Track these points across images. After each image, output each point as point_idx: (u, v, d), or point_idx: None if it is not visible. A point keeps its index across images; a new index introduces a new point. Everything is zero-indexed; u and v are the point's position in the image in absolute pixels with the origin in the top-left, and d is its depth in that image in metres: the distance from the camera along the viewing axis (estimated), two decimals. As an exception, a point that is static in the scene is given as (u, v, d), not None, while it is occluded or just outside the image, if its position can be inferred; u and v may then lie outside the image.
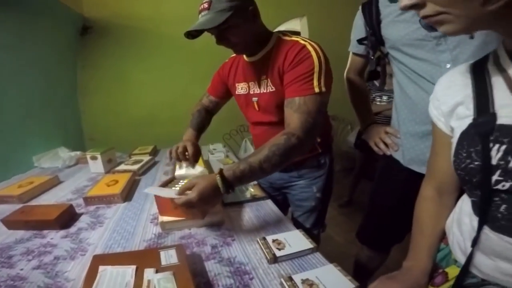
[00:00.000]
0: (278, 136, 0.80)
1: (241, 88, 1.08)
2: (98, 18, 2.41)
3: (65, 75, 2.29)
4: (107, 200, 1.03)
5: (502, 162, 0.43)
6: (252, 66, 1.00)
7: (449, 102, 0.55)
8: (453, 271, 0.57)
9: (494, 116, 0.46)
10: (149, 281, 0.57)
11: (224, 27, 0.84)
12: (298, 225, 1.13)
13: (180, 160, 1.05)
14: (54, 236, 0.83)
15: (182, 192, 0.74)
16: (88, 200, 1.02)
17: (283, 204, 1.22)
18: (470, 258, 0.52)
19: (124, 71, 2.57)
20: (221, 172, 0.74)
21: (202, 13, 0.85)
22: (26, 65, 1.69)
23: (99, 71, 2.51)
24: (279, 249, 0.69)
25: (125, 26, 2.48)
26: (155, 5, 2.53)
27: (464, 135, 0.50)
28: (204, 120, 1.22)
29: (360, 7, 1.04)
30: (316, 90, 0.82)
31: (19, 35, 1.62)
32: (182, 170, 1.09)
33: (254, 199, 1.03)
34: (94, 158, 1.40)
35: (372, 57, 1.07)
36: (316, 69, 0.84)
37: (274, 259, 0.67)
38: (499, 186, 0.44)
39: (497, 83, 0.48)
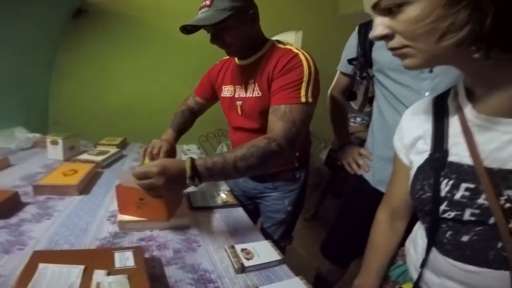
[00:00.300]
0: (259, 139, 0.77)
1: (226, 91, 1.05)
2: (96, 2, 2.31)
3: (43, 55, 2.18)
4: (61, 191, 0.93)
5: (449, 195, 0.49)
6: (242, 69, 0.99)
7: (411, 135, 0.59)
8: (408, 287, 0.62)
9: (446, 153, 0.50)
10: (98, 284, 0.50)
11: (221, 26, 0.83)
12: (266, 236, 1.10)
13: (151, 159, 0.99)
14: (-11, 225, 0.72)
15: (145, 172, 0.65)
16: (38, 189, 0.91)
17: (253, 213, 1.18)
18: (420, 277, 0.57)
19: (107, 59, 2.47)
20: (191, 158, 0.69)
21: (203, 10, 0.84)
22: (6, 37, 1.59)
23: (81, 55, 2.40)
24: (248, 259, 0.66)
25: (120, 13, 2.40)
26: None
27: (420, 169, 0.54)
28: (186, 121, 1.18)
29: (357, 28, 1.07)
30: (303, 99, 0.81)
31: (9, 8, 1.54)
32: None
33: (225, 205, 0.98)
34: (54, 142, 1.27)
35: (358, 78, 1.10)
36: (305, 78, 0.83)
37: (242, 269, 0.63)
38: (446, 215, 0.49)
39: (453, 120, 0.52)
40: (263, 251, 0.70)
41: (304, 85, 0.82)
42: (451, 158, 0.50)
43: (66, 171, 1.02)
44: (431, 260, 0.54)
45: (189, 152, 1.62)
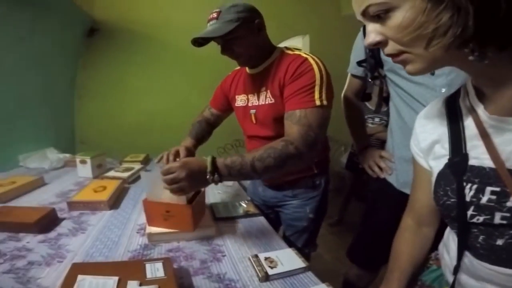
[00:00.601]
0: (277, 141, 0.79)
1: (240, 100, 1.08)
2: (107, 20, 2.40)
3: (64, 75, 2.25)
4: (92, 206, 0.98)
5: (474, 199, 0.47)
6: (253, 78, 1.01)
7: (426, 140, 0.58)
8: None
9: (466, 157, 0.49)
10: (131, 294, 0.53)
11: (229, 37, 0.86)
12: (289, 243, 1.11)
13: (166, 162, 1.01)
14: (30, 240, 0.77)
15: (168, 168, 0.72)
16: (72, 205, 0.97)
17: (275, 222, 1.19)
18: (454, 281, 0.55)
19: (124, 76, 2.55)
20: (212, 156, 0.74)
21: (211, 22, 0.87)
22: (28, 60, 1.66)
23: (99, 74, 2.48)
24: (272, 267, 0.66)
25: (131, 31, 2.48)
26: (163, 13, 2.56)
27: (441, 175, 0.53)
28: (203, 131, 1.20)
29: (361, 29, 1.06)
30: (317, 103, 0.82)
31: (29, 30, 1.61)
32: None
33: (246, 215, 0.99)
34: (83, 162, 1.35)
35: (370, 80, 1.09)
36: (318, 82, 0.84)
37: (266, 277, 0.64)
38: (474, 220, 0.48)
39: (468, 122, 0.50)
40: (287, 259, 0.71)
41: (317, 88, 0.83)
42: (471, 161, 0.48)
43: (96, 188, 1.09)
44: (466, 265, 0.53)
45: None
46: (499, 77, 0.43)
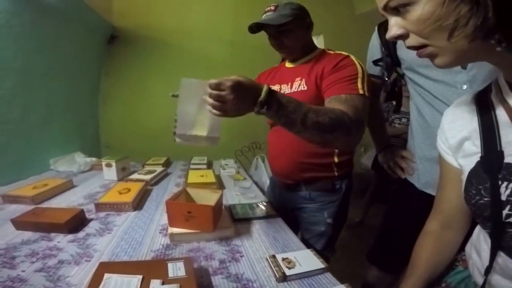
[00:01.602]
0: (334, 108, 0.76)
1: None
2: (125, 28, 2.49)
3: (89, 82, 2.35)
4: (118, 207, 1.03)
5: (511, 198, 0.45)
6: (290, 71, 1.09)
7: (456, 137, 0.56)
8: None
9: (501, 154, 0.47)
10: (154, 292, 0.55)
11: (282, 29, 0.97)
12: (307, 246, 1.10)
13: None
14: (61, 239, 0.82)
15: (219, 83, 0.63)
16: (99, 206, 1.02)
17: (293, 225, 1.18)
18: (485, 282, 0.53)
19: (144, 82, 2.63)
20: (268, 86, 0.66)
21: (268, 13, 0.99)
22: (55, 68, 1.74)
23: (121, 80, 2.57)
24: (289, 268, 0.67)
25: (149, 37, 2.55)
26: (179, 19, 2.62)
27: (473, 173, 0.51)
28: None
29: (376, 28, 1.05)
30: (361, 91, 0.85)
31: (52, 38, 1.69)
32: None
33: (264, 216, 1.00)
34: (109, 165, 1.41)
35: (387, 79, 1.07)
36: (360, 75, 0.88)
37: (284, 278, 0.65)
38: (511, 219, 0.46)
39: (502, 118, 0.49)
40: (305, 259, 0.71)
41: (359, 80, 0.87)
42: (508, 159, 0.46)
43: (121, 190, 1.13)
44: (499, 265, 0.51)
45: (227, 166, 1.69)
46: None
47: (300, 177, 1.07)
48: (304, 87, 1.00)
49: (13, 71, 1.39)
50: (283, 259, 0.71)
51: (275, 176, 1.23)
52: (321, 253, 1.11)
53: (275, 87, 1.10)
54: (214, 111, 0.64)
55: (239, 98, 0.62)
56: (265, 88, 0.65)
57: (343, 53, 0.99)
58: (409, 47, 0.46)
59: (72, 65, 1.96)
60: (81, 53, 2.08)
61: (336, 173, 1.05)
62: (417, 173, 0.98)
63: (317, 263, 0.70)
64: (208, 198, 0.92)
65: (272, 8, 0.99)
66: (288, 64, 1.12)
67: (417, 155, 0.99)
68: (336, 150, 1.04)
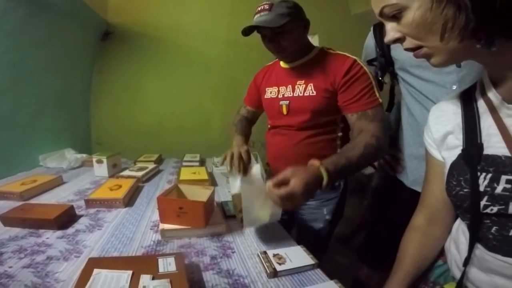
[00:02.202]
0: (367, 137, 0.83)
1: (270, 92, 1.10)
2: (120, 24, 2.46)
3: (81, 78, 2.32)
4: (108, 204, 1.02)
5: (488, 189, 0.47)
6: (288, 72, 1.05)
7: (440, 131, 0.59)
8: (451, 287, 0.59)
9: (481, 146, 0.50)
10: (144, 287, 0.55)
11: (279, 30, 0.92)
12: (303, 244, 1.11)
13: (240, 171, 1.01)
14: (50, 236, 0.81)
15: (277, 183, 0.65)
16: (90, 203, 1.01)
17: (287, 224, 1.19)
18: (463, 276, 0.55)
19: (137, 79, 2.61)
20: (322, 164, 0.71)
21: (262, 13, 0.91)
22: (47, 64, 1.72)
23: (114, 76, 2.54)
24: (280, 264, 0.67)
25: (144, 34, 2.53)
26: (174, 16, 2.60)
27: (454, 165, 0.54)
28: (246, 129, 1.24)
29: (371, 28, 1.06)
30: (380, 100, 0.89)
31: (46, 34, 1.66)
32: (236, 181, 1.01)
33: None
34: (100, 161, 1.40)
35: (381, 78, 1.09)
36: (374, 82, 0.90)
37: (274, 274, 0.65)
38: (488, 210, 0.48)
39: (483, 113, 0.52)
40: (296, 256, 0.72)
41: (375, 88, 0.90)
42: (487, 151, 0.49)
43: (112, 186, 1.12)
44: (476, 257, 0.53)
45: (219, 164, 1.68)
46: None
47: None
48: (313, 93, 0.97)
49: (4, 67, 1.37)
50: (274, 255, 0.71)
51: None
52: (315, 251, 1.13)
53: (273, 89, 1.09)
54: (283, 206, 0.69)
55: (306, 191, 0.65)
56: (324, 172, 0.70)
57: (346, 54, 0.96)
58: (407, 49, 0.49)
59: (65, 62, 1.94)
60: (74, 50, 2.05)
61: None
62: (406, 171, 1.00)
63: (307, 259, 0.71)
64: (200, 194, 0.91)
65: (267, 7, 0.91)
66: (284, 64, 1.08)
67: (406, 153, 1.00)
68: (338, 151, 1.04)
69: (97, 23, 2.30)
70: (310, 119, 0.99)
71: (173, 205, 0.83)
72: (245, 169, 1.01)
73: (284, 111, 1.04)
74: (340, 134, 1.03)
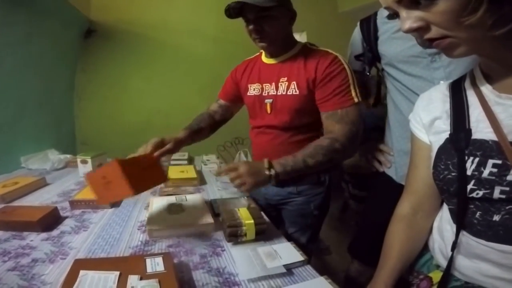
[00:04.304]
0: (322, 139, 0.87)
1: (253, 89, 1.07)
2: (104, 22, 2.41)
3: (64, 77, 2.26)
4: (94, 204, 0.99)
5: (476, 173, 0.48)
6: (271, 68, 1.02)
7: (428, 117, 0.60)
8: (436, 276, 0.60)
9: (469, 132, 0.51)
10: (132, 288, 0.54)
11: (265, 13, 0.88)
12: (292, 240, 1.11)
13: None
14: (34, 238, 0.79)
15: (231, 167, 0.86)
16: (74, 204, 0.99)
17: (276, 220, 1.19)
18: (451, 262, 0.55)
19: (123, 77, 2.56)
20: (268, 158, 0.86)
21: None
22: (27, 63, 1.67)
23: (98, 75, 2.49)
24: (270, 261, 0.67)
25: (128, 32, 2.48)
26: (161, 14, 2.57)
27: (442, 149, 0.55)
28: (201, 122, 1.15)
29: (358, 24, 1.07)
30: (355, 100, 0.88)
31: (26, 33, 1.61)
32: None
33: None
34: (84, 162, 1.36)
35: (368, 73, 1.09)
36: (351, 80, 0.89)
37: (265, 270, 0.65)
38: (474, 194, 0.49)
39: (473, 101, 0.53)
40: (286, 252, 0.72)
41: (351, 86, 0.89)
42: (474, 135, 0.50)
43: (97, 187, 1.09)
44: (462, 243, 0.53)
45: (208, 162, 1.67)
46: (510, 58, 0.46)
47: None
48: (296, 91, 0.95)
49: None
50: (264, 252, 0.71)
51: None
52: (307, 246, 1.14)
53: (256, 86, 1.06)
54: (237, 187, 0.85)
55: (250, 171, 0.82)
56: (265, 160, 0.85)
57: (329, 51, 0.96)
58: (430, 40, 0.46)
59: (46, 60, 1.88)
60: (56, 48, 2.00)
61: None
62: (395, 166, 1.01)
63: (297, 256, 0.71)
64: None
65: None
66: (266, 60, 1.05)
67: (394, 148, 1.02)
68: None
69: (79, 21, 2.25)
70: (293, 119, 0.98)
71: (98, 178, 0.73)
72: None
73: (268, 109, 1.03)
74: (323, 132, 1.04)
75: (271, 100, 1.01)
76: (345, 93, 0.89)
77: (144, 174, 0.78)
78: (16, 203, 1.02)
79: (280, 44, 0.98)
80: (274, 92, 1.00)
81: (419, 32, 0.46)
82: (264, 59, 1.06)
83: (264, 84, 1.04)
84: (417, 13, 0.44)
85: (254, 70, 1.08)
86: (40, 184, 1.23)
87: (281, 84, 0.98)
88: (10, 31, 1.48)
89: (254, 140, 1.15)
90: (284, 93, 0.98)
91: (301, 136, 1.02)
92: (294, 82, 0.96)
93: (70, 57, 2.31)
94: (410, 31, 0.46)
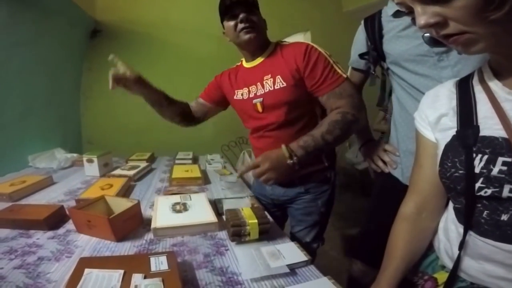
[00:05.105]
0: (333, 114, 0.90)
1: (240, 94, 1.09)
2: (108, 22, 2.44)
3: (70, 77, 2.29)
4: (99, 203, 1.00)
5: (484, 171, 0.47)
6: (253, 71, 1.05)
7: (434, 114, 0.58)
8: (441, 276, 0.58)
9: (477, 128, 0.49)
10: (136, 286, 0.54)
11: (253, 7, 0.99)
12: (297, 239, 1.11)
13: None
14: (40, 236, 0.80)
15: (254, 164, 0.87)
16: (80, 202, 0.99)
17: (280, 219, 1.20)
18: (457, 262, 0.54)
19: (128, 76, 2.58)
20: (285, 145, 0.87)
21: None
22: (34, 62, 1.69)
23: (104, 74, 2.44)
24: (273, 260, 0.67)
25: (133, 32, 2.50)
26: (164, 13, 2.58)
27: (449, 146, 0.53)
28: (177, 100, 1.24)
29: (362, 22, 1.05)
30: (343, 75, 0.93)
31: (33, 32, 1.63)
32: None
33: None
34: (90, 161, 1.38)
35: (373, 72, 1.08)
36: (330, 60, 0.93)
37: (268, 270, 0.65)
38: (482, 193, 0.47)
39: (481, 98, 0.52)
40: (289, 252, 0.72)
41: (334, 65, 0.93)
42: (483, 132, 0.49)
43: (103, 186, 1.11)
44: (468, 244, 0.52)
45: (213, 161, 1.68)
46: None
47: (295, 176, 1.07)
48: (283, 84, 0.97)
49: (-11, 66, 1.34)
50: (268, 252, 0.71)
51: None
52: (312, 244, 1.14)
53: (243, 91, 1.08)
54: (264, 182, 0.87)
55: (273, 166, 0.84)
56: (283, 148, 0.86)
57: (299, 41, 1.01)
58: (445, 35, 0.44)
59: (53, 60, 1.91)
60: (62, 48, 2.03)
61: (326, 164, 1.07)
62: (401, 167, 1.00)
63: (300, 256, 0.71)
64: (121, 207, 0.86)
65: None
66: (247, 64, 1.09)
67: (400, 148, 1.00)
68: None
69: (85, 21, 2.27)
70: (287, 112, 0.99)
71: (82, 218, 0.81)
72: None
73: (259, 108, 1.03)
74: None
75: (261, 99, 1.02)
76: (333, 73, 0.92)
77: (120, 223, 0.81)
78: (24, 202, 1.04)
79: (263, 38, 1.03)
80: (261, 91, 1.02)
81: (435, 28, 0.44)
82: (245, 64, 1.09)
83: (250, 87, 1.06)
84: (433, 8, 0.43)
85: (239, 77, 1.11)
86: (47, 182, 1.24)
87: (266, 82, 1.01)
88: (18, 31, 1.51)
89: (255, 145, 1.15)
90: (272, 88, 1.00)
91: (300, 133, 1.01)
92: (279, 76, 0.98)
93: (76, 57, 2.34)
94: (427, 26, 0.44)
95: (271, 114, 1.02)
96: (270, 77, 1.00)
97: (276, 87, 0.98)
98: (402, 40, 0.90)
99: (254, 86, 1.04)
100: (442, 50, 0.81)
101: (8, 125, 1.49)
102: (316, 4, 3.10)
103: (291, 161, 0.84)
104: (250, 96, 1.05)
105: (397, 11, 0.88)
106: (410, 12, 0.47)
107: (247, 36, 0.98)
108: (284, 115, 0.99)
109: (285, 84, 0.97)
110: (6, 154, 1.46)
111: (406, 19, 0.86)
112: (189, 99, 2.75)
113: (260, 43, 1.03)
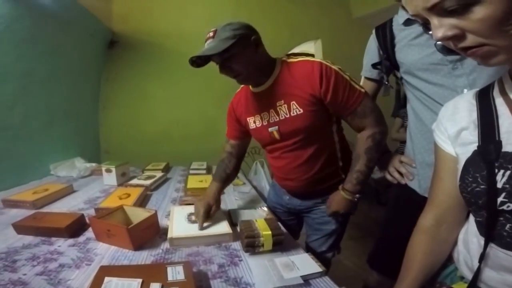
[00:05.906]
0: (364, 141, 0.95)
1: (253, 122, 1.05)
2: (124, 33, 2.50)
3: (89, 87, 2.35)
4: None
5: (507, 186, 0.46)
6: (262, 96, 0.99)
7: (454, 127, 0.57)
8: (460, 287, 0.58)
9: (500, 143, 0.48)
10: (154, 295, 0.56)
11: (227, 55, 0.86)
12: (312, 248, 1.12)
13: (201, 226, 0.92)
14: (62, 244, 0.83)
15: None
16: (100, 211, 1.03)
17: (294, 228, 1.19)
18: (477, 273, 0.53)
19: (144, 87, 2.63)
20: (342, 187, 0.99)
21: (208, 42, 0.88)
22: (56, 73, 1.75)
23: (121, 85, 2.57)
24: (287, 272, 0.67)
25: (148, 42, 2.56)
26: (179, 24, 2.64)
27: (470, 161, 0.52)
28: (227, 168, 1.14)
29: (373, 31, 1.04)
30: (362, 91, 0.93)
31: (53, 43, 1.70)
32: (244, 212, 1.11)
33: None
34: (109, 170, 1.42)
35: (387, 82, 1.07)
36: (346, 77, 0.91)
37: (282, 281, 0.65)
38: (504, 207, 0.47)
39: (502, 110, 0.50)
40: (303, 263, 0.72)
41: (351, 82, 0.91)
42: (506, 148, 0.47)
43: (121, 195, 1.14)
44: (489, 256, 0.51)
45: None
46: None
47: (314, 190, 1.07)
48: (299, 110, 0.92)
49: (14, 76, 1.41)
50: (281, 263, 0.71)
51: (287, 192, 1.18)
52: (327, 254, 1.13)
53: (256, 118, 1.03)
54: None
55: (336, 202, 1.02)
56: (342, 193, 0.99)
57: (309, 59, 0.93)
58: (463, 48, 0.44)
59: (73, 70, 1.97)
60: (82, 58, 2.09)
61: (343, 176, 1.05)
62: (418, 179, 0.97)
63: (314, 267, 0.71)
64: (139, 217, 0.89)
65: (211, 34, 0.87)
66: (253, 89, 1.01)
67: (417, 160, 0.98)
68: (339, 155, 1.04)
69: (103, 32, 2.34)
70: (306, 137, 0.97)
71: (102, 227, 0.84)
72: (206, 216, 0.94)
73: (277, 136, 1.00)
74: (337, 139, 1.02)
75: (276, 127, 0.98)
76: (353, 92, 0.91)
77: (138, 233, 0.84)
78: (46, 209, 1.08)
79: (257, 74, 0.95)
80: (276, 118, 0.97)
81: (453, 40, 0.43)
82: (252, 88, 1.02)
83: (262, 114, 1.01)
84: (450, 21, 0.41)
85: (249, 102, 1.05)
86: (68, 191, 1.29)
87: (280, 108, 0.95)
88: (40, 41, 1.57)
89: (273, 164, 1.13)
90: (288, 115, 0.95)
91: (318, 152, 1.00)
92: (294, 102, 0.93)
93: (95, 67, 2.41)
94: (445, 39, 0.43)
95: (289, 140, 0.99)
96: (284, 103, 0.95)
97: (292, 114, 0.94)
98: (414, 49, 0.89)
99: (266, 113, 0.99)
100: (456, 58, 0.79)
101: (32, 134, 1.55)
102: (325, 12, 3.10)
103: (355, 199, 0.98)
104: (264, 124, 1.01)
105: (408, 19, 0.88)
106: (425, 23, 0.46)
107: (236, 80, 0.96)
108: (303, 139, 0.97)
109: (301, 111, 0.93)
110: (29, 162, 1.53)
111: (418, 28, 0.85)
112: (200, 107, 2.78)
113: (257, 79, 0.97)
